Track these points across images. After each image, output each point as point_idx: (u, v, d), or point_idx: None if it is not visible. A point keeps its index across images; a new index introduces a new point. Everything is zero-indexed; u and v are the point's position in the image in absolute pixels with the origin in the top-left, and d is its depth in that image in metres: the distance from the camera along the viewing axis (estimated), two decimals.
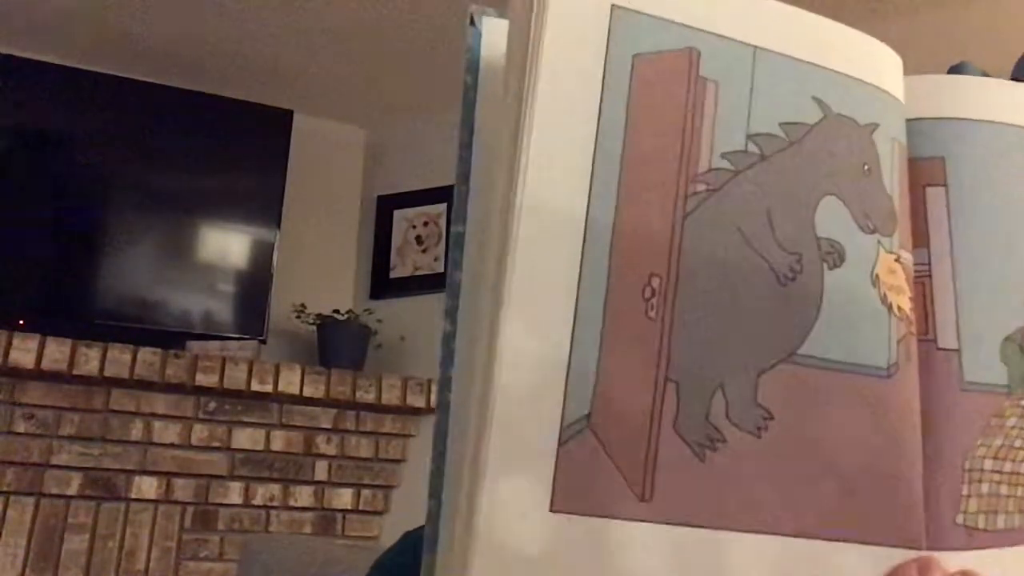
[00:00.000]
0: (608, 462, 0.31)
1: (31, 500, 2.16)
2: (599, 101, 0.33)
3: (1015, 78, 0.50)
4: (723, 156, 0.35)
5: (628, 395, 0.32)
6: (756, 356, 0.34)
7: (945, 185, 0.38)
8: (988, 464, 0.36)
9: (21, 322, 2.20)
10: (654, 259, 0.33)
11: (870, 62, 0.38)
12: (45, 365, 2.15)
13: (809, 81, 0.36)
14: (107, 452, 2.25)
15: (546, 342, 0.31)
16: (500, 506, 0.30)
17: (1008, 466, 0.36)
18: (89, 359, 2.20)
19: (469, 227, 0.35)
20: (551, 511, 0.31)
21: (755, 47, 0.36)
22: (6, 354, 2.11)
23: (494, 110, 0.36)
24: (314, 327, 2.68)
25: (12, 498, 2.14)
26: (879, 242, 0.36)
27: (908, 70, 0.40)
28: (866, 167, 0.37)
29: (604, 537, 0.31)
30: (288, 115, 2.71)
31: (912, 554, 0.34)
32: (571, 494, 0.31)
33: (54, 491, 2.18)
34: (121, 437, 2.26)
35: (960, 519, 0.35)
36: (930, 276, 0.37)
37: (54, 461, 2.19)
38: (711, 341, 0.33)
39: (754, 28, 0.36)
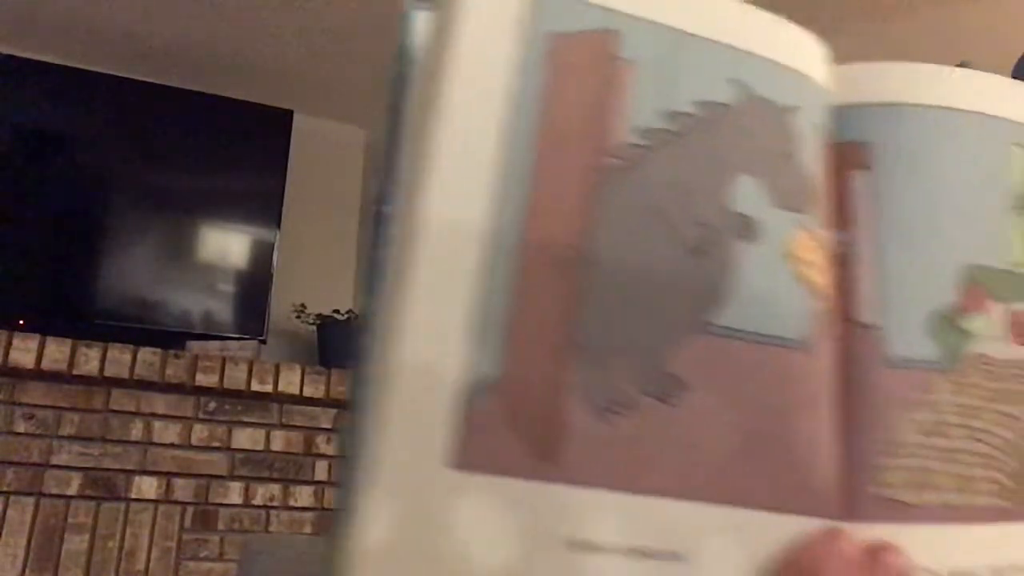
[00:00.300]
0: (512, 423, 0.32)
1: (31, 500, 2.16)
2: (515, 79, 0.34)
3: (1015, 78, 0.50)
4: (638, 133, 0.35)
5: (535, 360, 0.33)
6: (665, 326, 0.34)
7: (872, 168, 0.38)
8: (915, 438, 0.36)
9: (21, 322, 2.20)
10: (564, 230, 0.34)
11: (794, 49, 0.39)
12: (45, 365, 2.15)
13: (729, 64, 0.37)
14: (107, 452, 2.25)
15: (452, 306, 0.32)
16: (398, 463, 0.31)
17: (942, 442, 0.36)
18: (89, 359, 2.20)
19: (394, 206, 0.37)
20: (451, 468, 0.31)
21: (675, 30, 0.37)
22: (6, 354, 2.11)
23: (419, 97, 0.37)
24: (314, 327, 2.68)
25: (12, 498, 2.14)
26: (795, 220, 0.37)
27: None
28: (784, 147, 0.37)
29: (504, 495, 0.31)
30: (288, 115, 2.71)
31: (822, 523, 0.35)
32: (472, 452, 0.31)
33: (54, 491, 2.18)
34: (121, 437, 2.26)
35: (880, 491, 0.36)
36: (854, 255, 0.38)
37: (54, 461, 2.19)
38: (620, 311, 0.34)
39: (675, 11, 0.37)
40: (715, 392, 0.34)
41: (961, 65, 0.67)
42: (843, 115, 0.39)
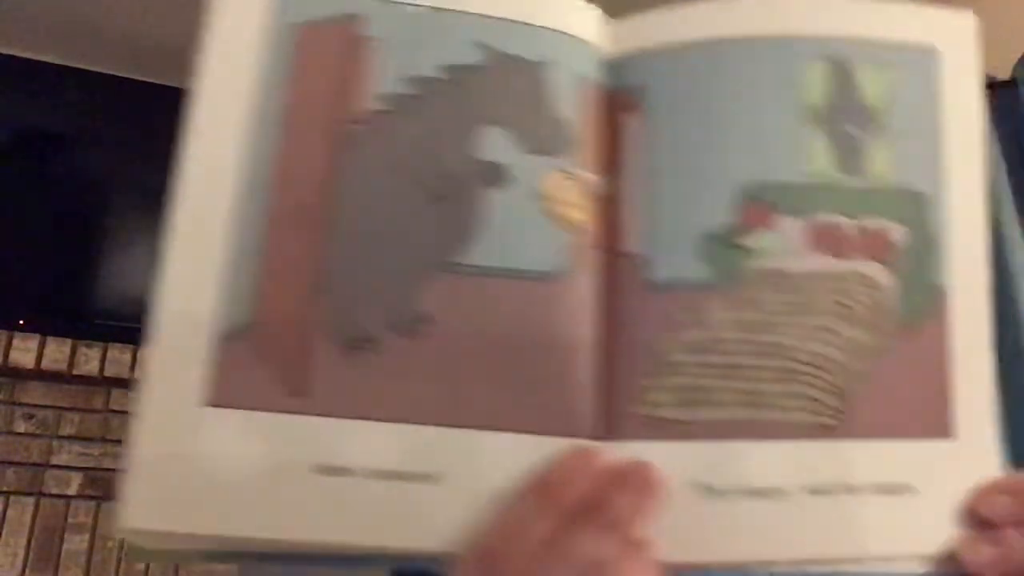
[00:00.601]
0: (262, 364, 0.36)
1: (31, 500, 2.16)
2: (264, 69, 0.39)
3: (1015, 78, 0.50)
4: (381, 100, 0.39)
5: (283, 307, 0.36)
6: (410, 269, 0.37)
7: (643, 110, 0.40)
8: (684, 357, 0.37)
9: (21, 322, 2.20)
10: (309, 191, 0.38)
11: (552, 10, 0.41)
12: (45, 365, 2.15)
13: (476, 30, 0.40)
14: (107, 452, 2.25)
15: (205, 264, 0.36)
16: (158, 405, 0.35)
17: (717, 359, 0.37)
18: (89, 359, 2.20)
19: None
20: (205, 406, 0.35)
21: (420, 6, 0.40)
22: (6, 354, 2.11)
23: None
24: None
25: (12, 498, 2.14)
26: (548, 163, 0.39)
27: None
28: (535, 99, 0.40)
29: (254, 427, 0.35)
30: None
31: (577, 442, 0.36)
32: (225, 391, 0.35)
33: (54, 491, 2.18)
34: (121, 437, 2.26)
35: (645, 410, 0.37)
36: (621, 192, 0.40)
37: (54, 461, 2.19)
38: (364, 258, 0.37)
39: None
40: (464, 325, 0.37)
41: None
42: (616, 66, 0.41)
